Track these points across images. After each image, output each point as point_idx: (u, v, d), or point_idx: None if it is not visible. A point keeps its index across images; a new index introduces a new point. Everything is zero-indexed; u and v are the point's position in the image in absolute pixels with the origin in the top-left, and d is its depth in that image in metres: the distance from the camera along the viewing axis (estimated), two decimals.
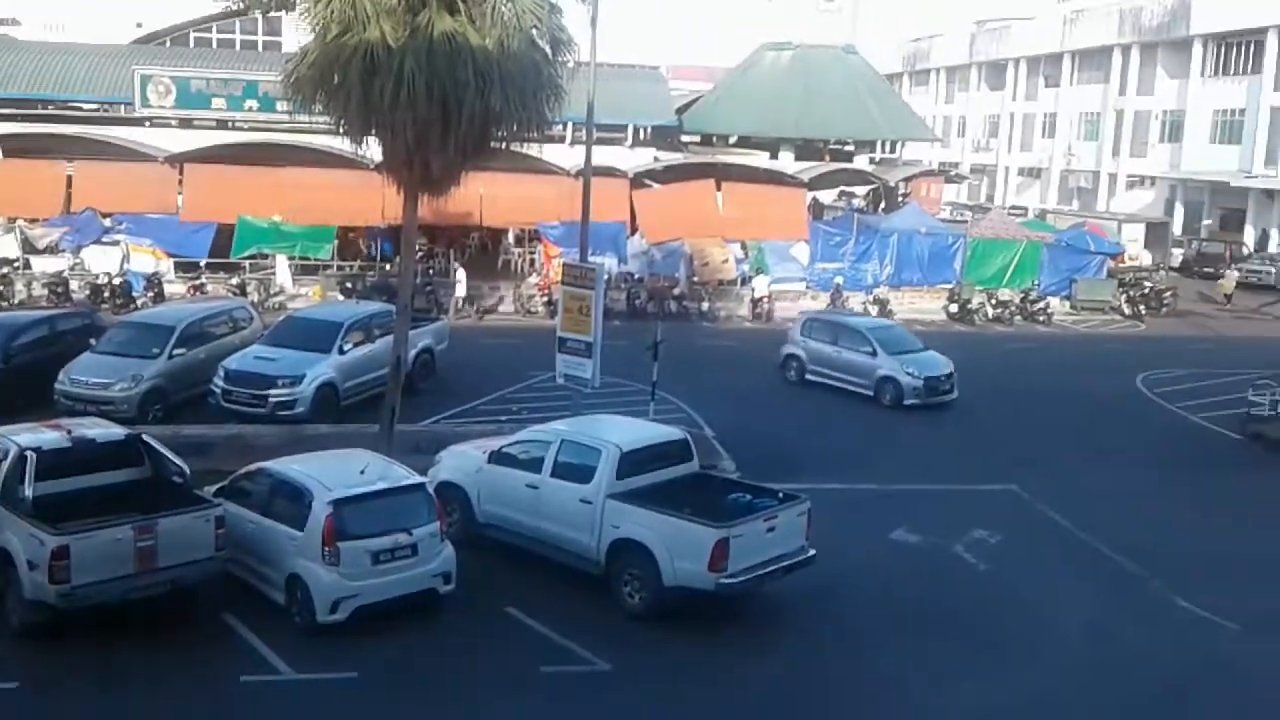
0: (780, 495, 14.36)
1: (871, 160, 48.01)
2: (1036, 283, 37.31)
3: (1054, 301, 36.99)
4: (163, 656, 12.15)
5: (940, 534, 16.82)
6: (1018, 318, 35.74)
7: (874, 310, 34.71)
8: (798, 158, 44.36)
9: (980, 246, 37.57)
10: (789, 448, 20.33)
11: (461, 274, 32.04)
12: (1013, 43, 73.03)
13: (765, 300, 33.98)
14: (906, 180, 46.24)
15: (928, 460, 20.71)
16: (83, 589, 11.94)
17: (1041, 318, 35.85)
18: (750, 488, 14.92)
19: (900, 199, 45.06)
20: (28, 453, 12.91)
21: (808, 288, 36.17)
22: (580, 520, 14.11)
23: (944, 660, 13.07)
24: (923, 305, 36.29)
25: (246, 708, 11.48)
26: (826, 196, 47.13)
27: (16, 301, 29.46)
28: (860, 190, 47.87)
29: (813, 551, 14.00)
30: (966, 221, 43.94)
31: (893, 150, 51.13)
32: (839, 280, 35.45)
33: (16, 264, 31.36)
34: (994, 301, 35.84)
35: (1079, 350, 32.73)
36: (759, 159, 43.14)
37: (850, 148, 47.81)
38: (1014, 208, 59.53)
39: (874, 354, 24.66)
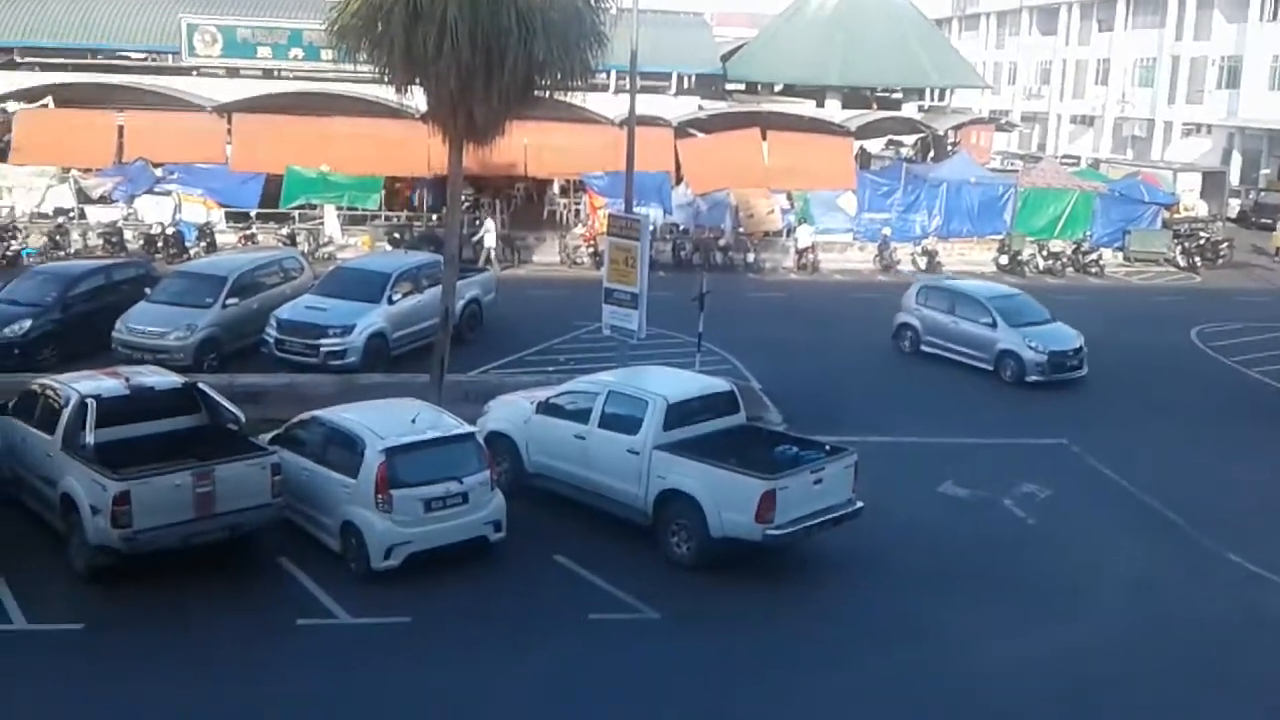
0: (827, 447, 14.38)
1: (920, 108, 47.24)
2: (1089, 234, 36.65)
3: (1107, 253, 36.34)
4: (222, 600, 12.47)
5: (989, 488, 16.76)
6: (1069, 269, 35.16)
7: (922, 262, 34.43)
8: (844, 106, 43.74)
9: (1031, 196, 37.01)
10: (835, 400, 20.29)
11: (489, 224, 31.89)
12: None
13: (810, 251, 33.75)
14: (956, 129, 45.50)
15: (975, 413, 20.58)
16: (144, 533, 12.23)
17: (1094, 269, 35.26)
18: (797, 440, 14.95)
19: (949, 148, 44.38)
20: (88, 400, 13.21)
21: (855, 239, 35.87)
22: (627, 471, 14.22)
23: (990, 612, 13.09)
24: (972, 256, 35.85)
25: (304, 650, 11.76)
26: (874, 145, 46.52)
27: (73, 251, 29.92)
28: (908, 139, 47.19)
29: (860, 504, 14.04)
30: (1017, 171, 43.21)
31: (942, 98, 50.26)
32: (886, 231, 35.09)
33: (72, 214, 31.83)
34: (1045, 253, 35.28)
35: (1132, 303, 32.21)
36: (805, 107, 42.59)
37: (898, 95, 47.06)
38: (1066, 157, 58.41)
39: (994, 325, 22.79)
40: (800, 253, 33.84)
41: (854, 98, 44.64)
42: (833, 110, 42.80)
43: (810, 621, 12.82)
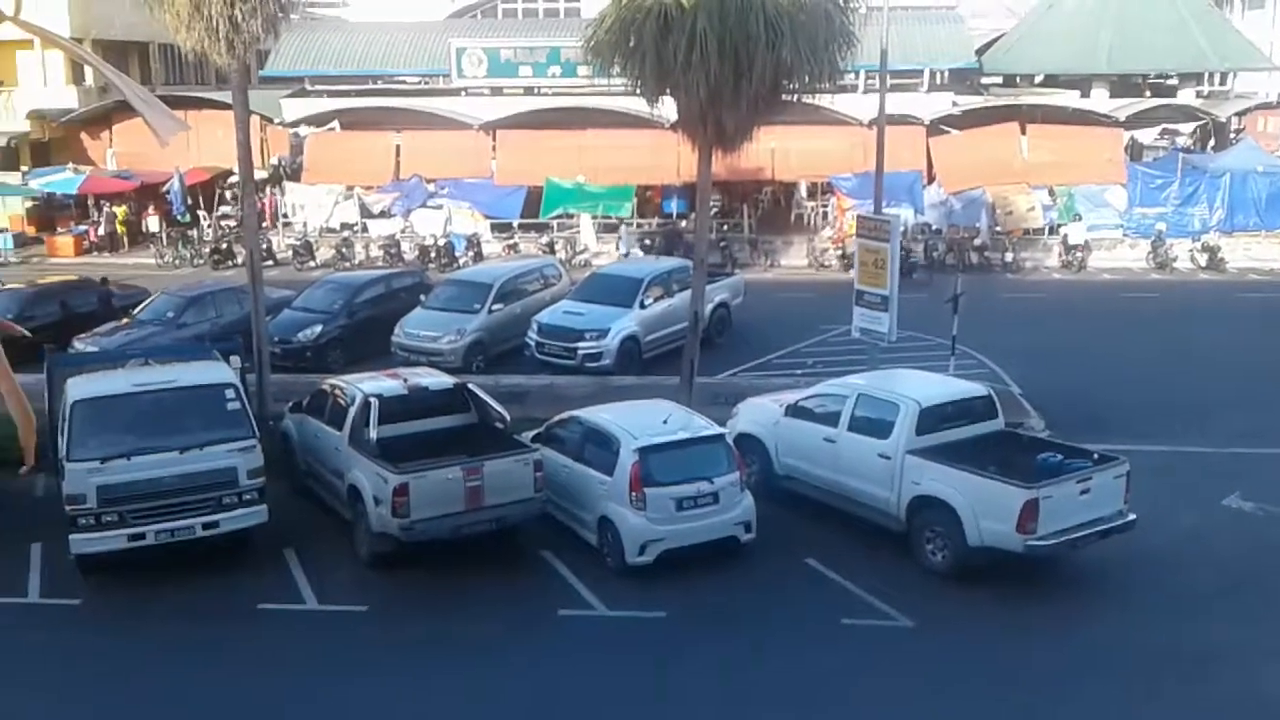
0: (1095, 456, 13.62)
1: (1198, 94, 43.94)
2: None
3: None
4: (490, 589, 13.18)
5: None
6: None
7: (1202, 259, 32.05)
8: (1112, 95, 41.27)
9: None
10: (1104, 406, 19.15)
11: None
12: None
13: (1080, 249, 32.05)
14: (1240, 115, 41.92)
15: (1262, 420, 18.89)
16: (420, 523, 13.10)
17: None
18: (1061, 447, 14.24)
19: (1232, 135, 40.99)
20: (371, 399, 14.26)
21: (1125, 235, 33.78)
22: (879, 475, 13.99)
23: None
24: (1260, 252, 33.06)
25: (566, 639, 12.28)
26: (1146, 136, 43.57)
27: (356, 262, 32.52)
28: (1185, 128, 43.93)
29: (1133, 516, 13.23)
30: None
31: (1223, 82, 46.54)
32: (1161, 226, 32.84)
33: (356, 228, 34.60)
34: None
35: None
36: (1068, 98, 40.44)
37: (1173, 81, 43.92)
38: None
39: None
40: (1069, 249, 32.21)
41: (1123, 86, 42.00)
42: (1099, 100, 40.46)
43: (1078, 637, 12.18)
